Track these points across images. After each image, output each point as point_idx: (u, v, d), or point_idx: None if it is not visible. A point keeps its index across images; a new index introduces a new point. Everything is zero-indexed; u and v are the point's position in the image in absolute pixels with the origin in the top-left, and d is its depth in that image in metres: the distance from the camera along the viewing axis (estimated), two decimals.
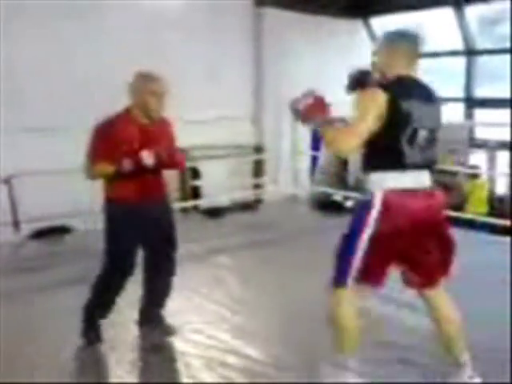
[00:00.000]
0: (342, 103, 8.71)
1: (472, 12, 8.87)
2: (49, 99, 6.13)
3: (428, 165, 2.66)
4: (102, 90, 6.48)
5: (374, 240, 2.57)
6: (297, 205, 7.83)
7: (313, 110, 2.74)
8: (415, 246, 2.67)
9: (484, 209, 8.08)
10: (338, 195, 7.64)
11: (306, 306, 4.00)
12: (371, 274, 2.67)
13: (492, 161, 8.89)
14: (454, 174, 8.27)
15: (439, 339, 2.88)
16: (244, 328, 3.81)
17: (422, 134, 2.58)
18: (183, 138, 7.00)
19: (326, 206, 7.49)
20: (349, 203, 7.37)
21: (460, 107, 9.39)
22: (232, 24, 7.89)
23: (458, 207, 7.58)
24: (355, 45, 9.73)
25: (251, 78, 8.20)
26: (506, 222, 5.64)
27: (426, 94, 2.68)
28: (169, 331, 3.66)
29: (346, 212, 7.29)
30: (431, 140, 2.64)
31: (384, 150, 2.59)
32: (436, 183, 2.77)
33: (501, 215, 6.58)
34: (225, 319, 3.96)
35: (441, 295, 2.83)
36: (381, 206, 2.55)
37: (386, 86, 2.59)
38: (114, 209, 3.38)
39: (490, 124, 8.72)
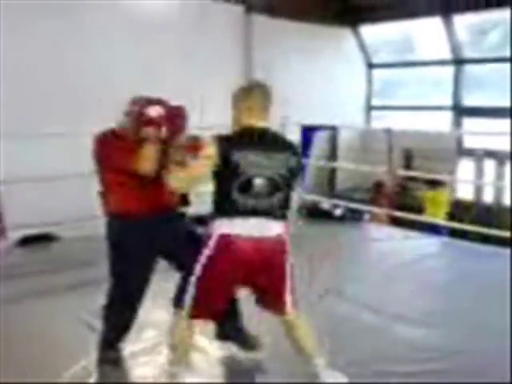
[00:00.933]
0: (330, 105, 8.80)
1: (461, 21, 8.93)
2: (35, 103, 6.06)
3: (270, 212, 2.79)
4: (91, 93, 6.47)
5: (206, 279, 2.82)
6: None
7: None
8: (248, 283, 2.93)
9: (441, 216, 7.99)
10: (326, 203, 7.62)
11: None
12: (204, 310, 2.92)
13: (479, 170, 8.94)
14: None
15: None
16: None
17: (259, 182, 2.73)
18: None
19: (315, 214, 7.47)
20: (338, 211, 7.36)
21: (448, 116, 9.47)
22: (222, 30, 7.90)
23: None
24: (344, 53, 9.78)
25: (240, 84, 8.18)
26: (506, 234, 5.59)
27: (268, 145, 2.81)
28: None
29: (335, 220, 7.30)
30: (273, 188, 2.77)
31: (221, 198, 2.80)
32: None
33: (488, 225, 6.59)
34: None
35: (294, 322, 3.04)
36: (212, 249, 2.79)
37: (221, 138, 2.76)
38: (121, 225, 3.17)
39: (478, 133, 8.79)
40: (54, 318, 4.01)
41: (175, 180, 2.82)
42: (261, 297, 3.02)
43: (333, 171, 8.65)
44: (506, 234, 5.73)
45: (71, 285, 4.68)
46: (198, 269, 2.82)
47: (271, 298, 2.98)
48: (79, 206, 6.11)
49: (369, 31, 9.91)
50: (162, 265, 3.32)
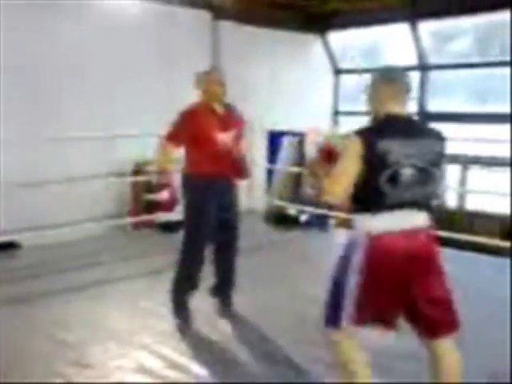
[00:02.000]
0: (297, 110, 8.85)
1: (426, 28, 9.07)
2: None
3: (419, 203, 2.57)
4: (55, 94, 6.45)
5: (361, 285, 2.52)
6: (252, 218, 7.81)
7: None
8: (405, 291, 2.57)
9: None
10: (292, 209, 7.67)
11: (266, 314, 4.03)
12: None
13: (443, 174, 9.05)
14: None
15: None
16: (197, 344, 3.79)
17: (408, 172, 2.50)
18: (137, 152, 7.07)
19: (281, 219, 7.52)
20: (303, 217, 7.41)
21: None
22: (190, 36, 7.89)
23: None
24: (311, 59, 9.85)
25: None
26: (506, 244, 5.63)
27: (412, 132, 2.60)
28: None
29: (301, 226, 7.35)
30: (423, 177, 2.54)
31: (366, 192, 2.55)
32: None
33: (452, 229, 6.67)
34: (174, 337, 3.93)
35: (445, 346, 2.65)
36: (362, 252, 2.52)
37: (361, 131, 2.59)
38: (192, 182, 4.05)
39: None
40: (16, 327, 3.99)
41: (327, 194, 2.58)
42: (428, 316, 2.58)
43: (299, 177, 8.68)
44: (471, 238, 5.86)
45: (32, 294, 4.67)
46: (349, 274, 2.54)
47: (441, 312, 2.59)
48: (41, 213, 6.12)
49: (336, 37, 10.00)
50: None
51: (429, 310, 2.55)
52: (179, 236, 6.59)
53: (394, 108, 2.64)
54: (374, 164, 2.49)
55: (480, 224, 8.23)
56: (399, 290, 2.54)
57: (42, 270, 5.36)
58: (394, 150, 2.48)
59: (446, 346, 2.62)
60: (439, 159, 2.60)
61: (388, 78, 2.69)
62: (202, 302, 4.28)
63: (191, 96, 7.90)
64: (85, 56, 6.77)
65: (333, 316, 2.61)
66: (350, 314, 2.52)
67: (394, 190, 2.50)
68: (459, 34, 9.39)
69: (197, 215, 4.04)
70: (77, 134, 6.24)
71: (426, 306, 2.54)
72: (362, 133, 2.57)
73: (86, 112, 6.73)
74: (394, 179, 2.49)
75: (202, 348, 3.76)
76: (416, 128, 2.69)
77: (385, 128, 2.59)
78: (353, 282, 2.52)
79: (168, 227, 7.01)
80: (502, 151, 8.30)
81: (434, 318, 2.57)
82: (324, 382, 3.12)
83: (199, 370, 3.42)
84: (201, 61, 8.02)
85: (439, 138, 2.65)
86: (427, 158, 2.54)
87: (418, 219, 2.57)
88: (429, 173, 2.55)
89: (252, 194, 8.21)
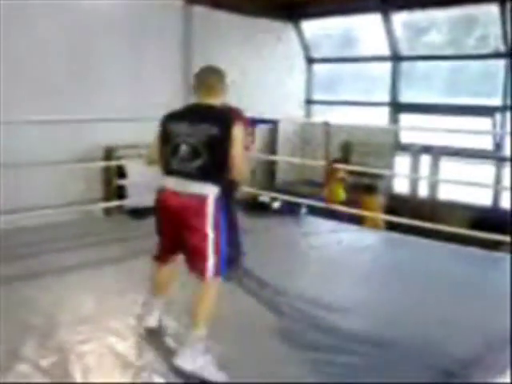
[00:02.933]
0: (270, 98, 8.83)
1: (400, 19, 9.10)
2: None
3: (192, 174, 3.22)
4: (23, 86, 6.31)
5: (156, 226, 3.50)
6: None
7: None
8: (173, 234, 3.37)
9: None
10: (265, 196, 7.63)
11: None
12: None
13: (415, 164, 9.13)
14: (378, 176, 8.43)
15: None
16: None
17: (183, 148, 3.24)
18: (109, 136, 6.96)
19: (254, 207, 7.47)
20: (276, 204, 7.38)
21: (386, 111, 9.63)
22: (162, 21, 7.79)
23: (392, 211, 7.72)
24: (285, 47, 9.81)
25: (181, 77, 8.09)
26: (506, 238, 5.53)
27: (195, 118, 3.29)
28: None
29: (273, 213, 7.32)
30: (193, 154, 3.21)
31: (163, 160, 3.37)
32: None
33: (423, 218, 6.70)
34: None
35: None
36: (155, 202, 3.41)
37: (163, 115, 3.46)
38: None
39: (415, 128, 8.98)
40: None
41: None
42: (186, 256, 3.38)
43: (273, 164, 8.67)
44: (441, 227, 5.92)
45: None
46: None
47: (194, 258, 3.30)
48: (5, 198, 5.99)
49: (309, 26, 9.97)
50: None
51: (186, 253, 3.37)
52: (149, 222, 6.62)
53: (198, 98, 3.43)
54: (164, 139, 3.37)
55: (450, 213, 8.32)
56: (173, 233, 3.35)
57: (9, 253, 5.23)
58: (176, 130, 3.29)
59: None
60: (213, 141, 3.20)
61: (196, 75, 3.51)
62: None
63: (160, 82, 7.92)
64: (56, 41, 6.67)
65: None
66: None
67: (175, 161, 3.27)
68: (432, 26, 9.44)
69: None
70: (44, 118, 6.08)
71: (184, 250, 3.35)
72: (163, 117, 3.45)
73: (56, 98, 6.61)
74: (175, 152, 3.27)
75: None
76: (200, 115, 3.33)
77: (178, 113, 3.42)
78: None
79: (138, 213, 6.89)
80: (477, 143, 8.45)
81: (188, 260, 3.35)
82: (324, 382, 3.10)
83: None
84: (172, 47, 7.96)
85: (219, 124, 3.22)
86: (200, 139, 3.20)
87: (190, 186, 3.23)
88: (198, 151, 3.21)
89: None
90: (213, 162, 3.21)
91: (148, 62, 7.62)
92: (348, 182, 8.14)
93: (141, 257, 5.15)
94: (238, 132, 3.23)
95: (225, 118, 3.32)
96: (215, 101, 3.43)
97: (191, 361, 3.10)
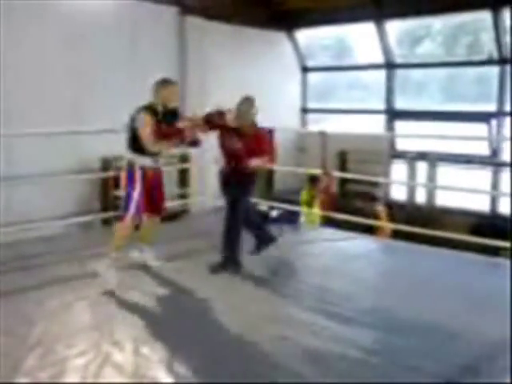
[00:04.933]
0: (265, 107, 8.81)
1: (394, 27, 9.14)
2: None
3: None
4: (18, 91, 6.29)
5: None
6: (221, 215, 7.72)
7: None
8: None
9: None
10: (263, 205, 7.61)
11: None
12: None
13: (412, 171, 9.14)
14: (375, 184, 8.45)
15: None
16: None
17: None
18: (107, 147, 6.94)
19: None
20: (274, 213, 7.36)
21: (381, 119, 9.65)
22: (157, 31, 7.81)
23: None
24: (279, 56, 9.84)
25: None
26: (506, 244, 5.53)
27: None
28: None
29: (272, 222, 7.28)
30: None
31: None
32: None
33: (421, 224, 6.70)
34: (144, 332, 3.82)
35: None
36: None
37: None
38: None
39: (410, 135, 9.00)
40: None
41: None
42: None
43: (270, 173, 8.65)
44: (441, 233, 5.92)
45: None
46: None
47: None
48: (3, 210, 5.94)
49: (304, 35, 10.01)
50: None
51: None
52: None
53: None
54: None
55: (448, 220, 8.32)
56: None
57: (7, 266, 5.18)
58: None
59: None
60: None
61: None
62: None
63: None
64: (49, 52, 6.66)
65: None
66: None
67: None
68: (426, 33, 9.51)
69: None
70: (42, 130, 6.06)
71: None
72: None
73: (53, 109, 6.60)
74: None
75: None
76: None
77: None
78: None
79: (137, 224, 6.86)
80: (473, 149, 8.47)
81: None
82: (325, 382, 3.08)
83: (177, 367, 3.32)
84: (167, 58, 7.97)
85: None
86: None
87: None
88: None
89: None
90: None
91: (144, 73, 7.60)
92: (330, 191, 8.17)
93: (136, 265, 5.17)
94: None
95: None
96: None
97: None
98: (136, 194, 4.67)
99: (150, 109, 4.80)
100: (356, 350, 3.53)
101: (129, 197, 4.70)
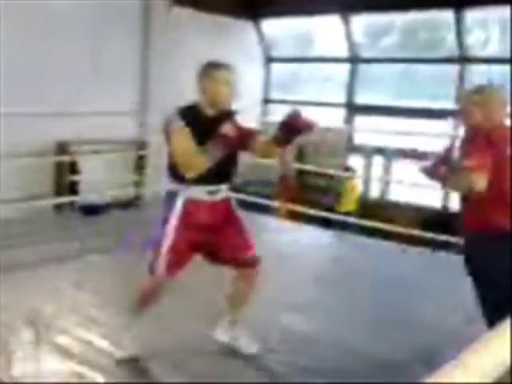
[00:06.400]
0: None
1: (359, 21, 9.20)
2: None
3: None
4: None
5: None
6: None
7: None
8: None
9: (353, 207, 8.44)
10: None
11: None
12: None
13: (368, 165, 9.27)
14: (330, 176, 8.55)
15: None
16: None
17: None
18: (63, 131, 6.85)
19: None
20: None
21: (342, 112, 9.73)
22: (120, 17, 7.71)
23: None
24: (243, 45, 9.81)
25: (137, 73, 8.03)
26: (450, 238, 5.57)
27: None
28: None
29: None
30: None
31: None
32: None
33: (373, 216, 6.81)
34: (93, 320, 3.81)
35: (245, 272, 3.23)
36: None
37: None
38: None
39: (369, 130, 9.09)
40: None
41: None
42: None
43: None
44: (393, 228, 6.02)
45: None
46: None
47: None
48: None
49: (269, 25, 10.00)
50: None
51: None
52: (103, 219, 6.57)
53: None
54: None
55: (400, 214, 8.45)
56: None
57: None
58: None
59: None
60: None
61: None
62: None
63: (119, 77, 7.81)
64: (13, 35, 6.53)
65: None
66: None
67: None
68: (391, 29, 9.59)
69: None
70: None
71: None
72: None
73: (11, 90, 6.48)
74: None
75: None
76: None
77: None
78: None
79: (90, 210, 6.81)
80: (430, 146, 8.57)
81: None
82: (329, 382, 3.13)
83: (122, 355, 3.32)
84: (131, 41, 7.88)
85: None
86: None
87: None
88: None
89: None
90: None
91: (106, 56, 7.52)
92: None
93: (91, 255, 5.12)
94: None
95: None
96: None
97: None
98: (168, 239, 2.99)
99: (188, 112, 3.00)
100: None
101: (160, 239, 3.02)
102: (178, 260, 3.02)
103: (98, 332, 3.59)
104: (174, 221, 2.99)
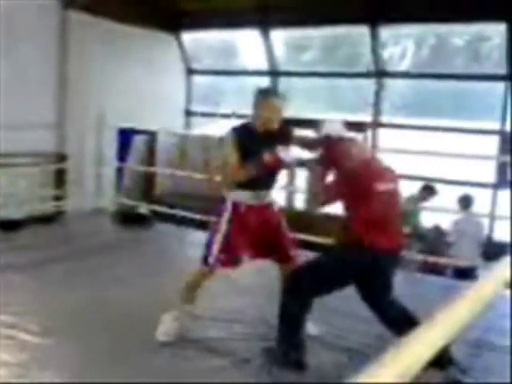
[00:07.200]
0: (148, 109, 8.68)
1: (279, 36, 9.35)
2: None
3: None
4: None
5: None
6: (100, 217, 7.56)
7: None
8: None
9: None
10: (143, 208, 7.55)
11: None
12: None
13: (291, 177, 9.38)
14: None
15: None
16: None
17: None
18: None
19: (131, 218, 7.36)
20: (150, 216, 7.32)
21: None
22: (36, 25, 7.48)
23: None
24: (164, 57, 9.77)
25: (54, 83, 7.80)
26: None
27: None
28: None
29: (151, 225, 7.24)
30: None
31: None
32: None
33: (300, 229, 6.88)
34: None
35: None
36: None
37: None
38: None
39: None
40: None
41: None
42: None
43: (151, 176, 8.56)
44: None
45: None
46: None
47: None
48: None
49: (191, 37, 10.00)
50: None
51: None
52: (21, 235, 6.32)
53: None
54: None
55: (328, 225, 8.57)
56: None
57: None
58: None
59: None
60: None
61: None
62: None
63: (35, 89, 7.56)
64: None
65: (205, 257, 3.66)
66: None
67: None
68: (310, 44, 9.80)
69: None
70: None
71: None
72: None
73: None
74: None
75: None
76: None
77: None
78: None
79: (9, 225, 6.56)
80: None
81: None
82: (326, 382, 3.11)
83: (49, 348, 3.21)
84: (45, 56, 7.65)
85: None
86: None
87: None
88: None
89: (100, 193, 7.97)
90: None
91: (22, 67, 7.28)
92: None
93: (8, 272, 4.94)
94: None
95: None
96: None
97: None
98: (220, 235, 3.59)
99: (243, 130, 3.72)
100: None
101: (212, 236, 3.65)
102: (233, 251, 3.61)
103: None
104: (226, 219, 3.60)
